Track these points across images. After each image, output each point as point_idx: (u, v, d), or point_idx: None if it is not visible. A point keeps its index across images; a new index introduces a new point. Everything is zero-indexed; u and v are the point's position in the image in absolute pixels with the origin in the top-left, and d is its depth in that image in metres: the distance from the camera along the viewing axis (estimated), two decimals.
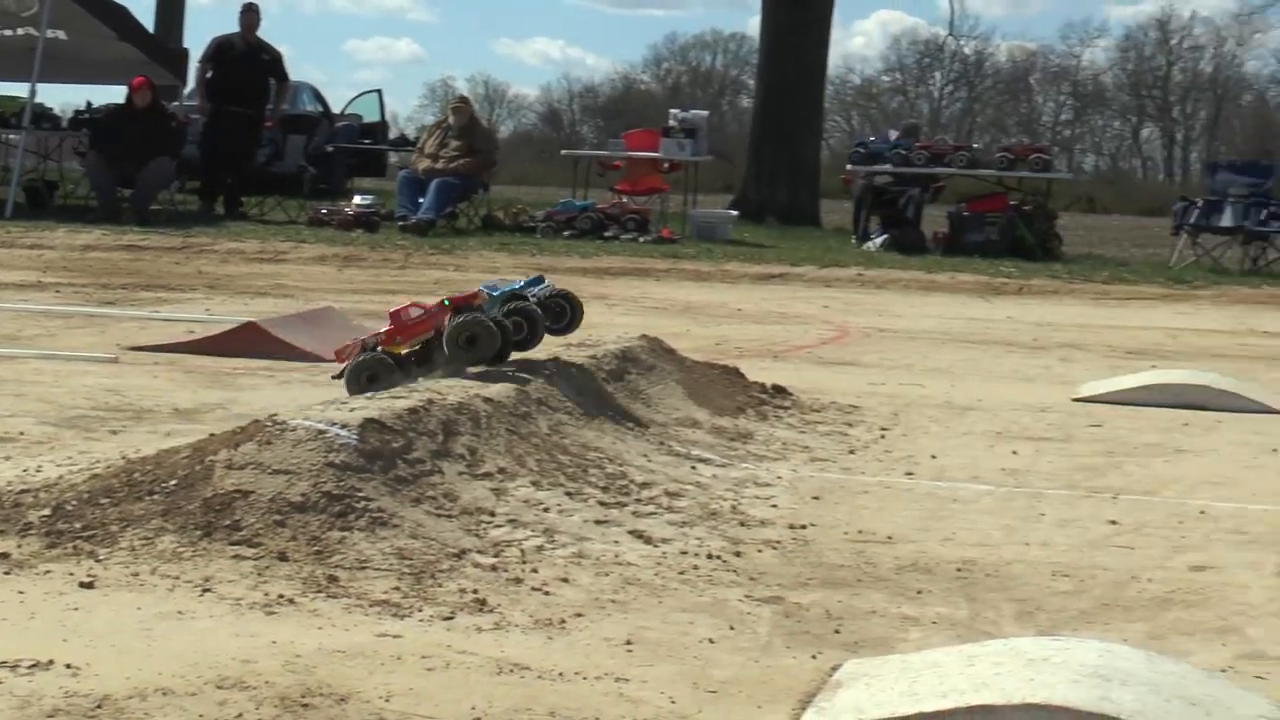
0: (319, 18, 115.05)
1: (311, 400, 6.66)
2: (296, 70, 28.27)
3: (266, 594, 4.65)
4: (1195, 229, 22.29)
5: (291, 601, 4.61)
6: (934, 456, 7.75)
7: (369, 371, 7.05)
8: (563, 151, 30.04)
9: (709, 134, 26.79)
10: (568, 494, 6.01)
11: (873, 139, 28.23)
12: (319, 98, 34.19)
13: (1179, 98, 79.51)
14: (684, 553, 5.54)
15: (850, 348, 12.20)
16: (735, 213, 26.13)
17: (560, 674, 4.14)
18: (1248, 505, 6.88)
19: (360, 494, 5.32)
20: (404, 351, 7.17)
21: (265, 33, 23.91)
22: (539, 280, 7.92)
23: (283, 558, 4.92)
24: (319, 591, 4.71)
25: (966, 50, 71.03)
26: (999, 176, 23.15)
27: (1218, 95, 78.19)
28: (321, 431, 5.53)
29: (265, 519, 5.12)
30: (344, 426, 5.60)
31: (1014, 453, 7.95)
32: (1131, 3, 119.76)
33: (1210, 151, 73.37)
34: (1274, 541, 6.21)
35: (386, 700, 3.84)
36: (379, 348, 7.15)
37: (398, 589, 4.78)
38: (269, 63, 23.63)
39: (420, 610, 4.62)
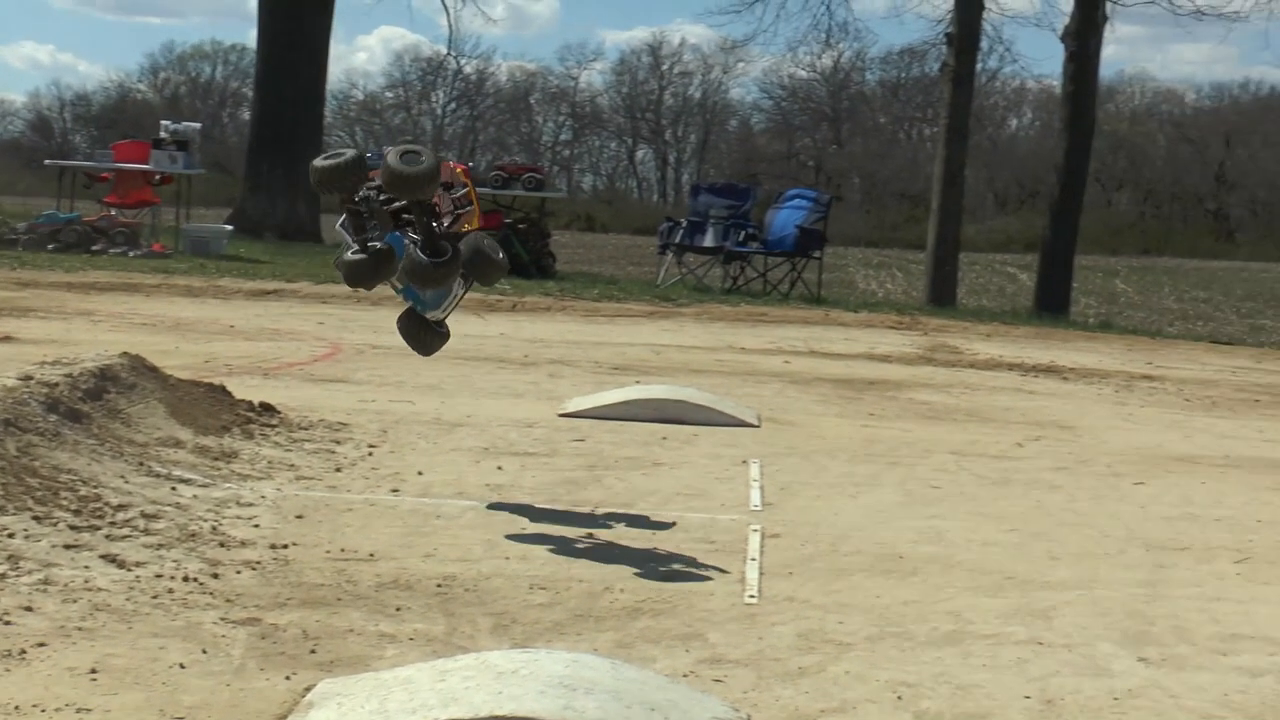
0: None
1: None
2: None
3: None
4: (680, 248, 23.20)
5: None
6: (420, 473, 7.81)
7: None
8: (46, 161, 28.69)
9: (207, 146, 26.18)
10: (35, 518, 5.77)
11: (370, 155, 28.13)
12: None
13: (671, 121, 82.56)
14: (159, 576, 5.41)
15: (342, 364, 12.15)
16: (230, 227, 25.61)
17: (16, 707, 3.97)
18: (717, 516, 7.20)
19: None
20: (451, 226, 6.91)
21: None
22: None
23: None
24: None
25: (468, 69, 71.77)
26: (494, 195, 23.48)
27: (706, 120, 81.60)
28: None
29: None
30: None
31: (499, 468, 8.09)
32: (625, 28, 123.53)
33: (700, 174, 76.50)
34: (739, 550, 6.53)
35: None
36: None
37: None
38: None
39: None
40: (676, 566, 6.22)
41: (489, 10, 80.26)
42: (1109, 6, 26.13)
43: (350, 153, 6.63)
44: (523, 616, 5.36)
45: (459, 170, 7.13)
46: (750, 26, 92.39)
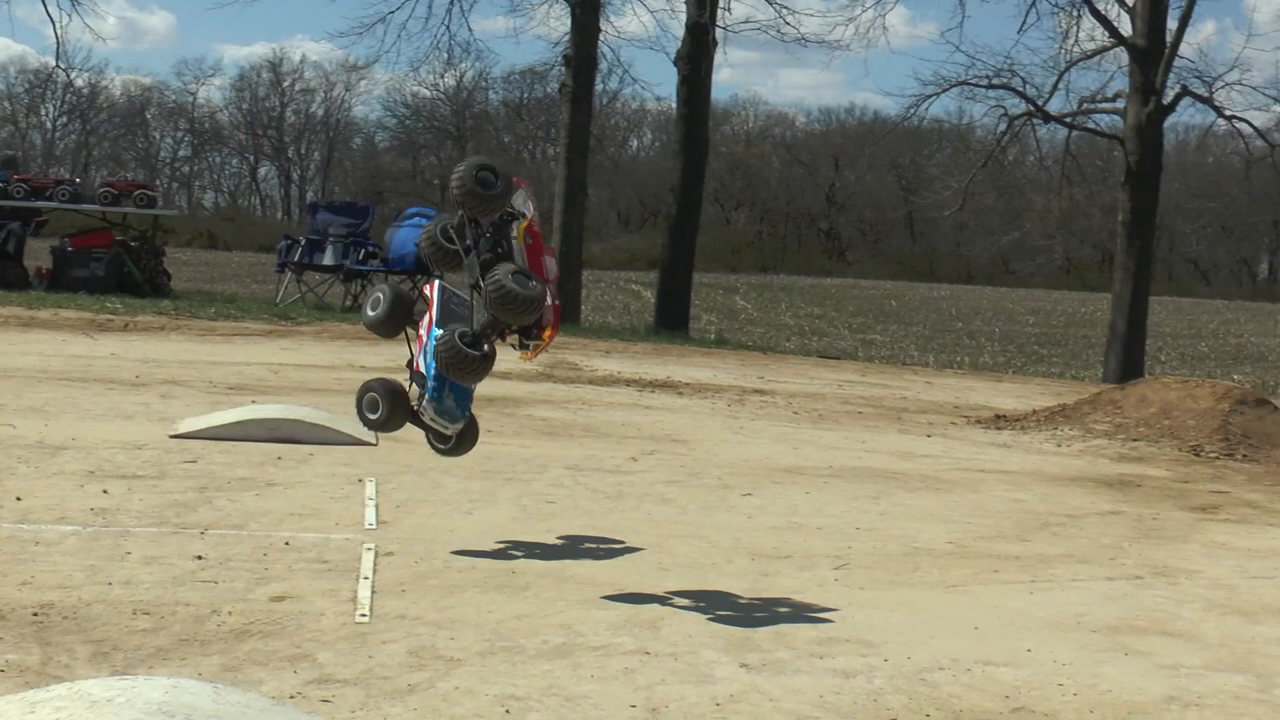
0: None
1: None
2: None
3: None
4: (299, 266, 22.89)
5: None
6: (19, 499, 7.50)
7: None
8: None
9: None
10: None
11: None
12: None
13: (294, 138, 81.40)
14: None
15: None
16: None
17: None
18: (330, 535, 7.14)
19: None
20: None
21: None
22: None
23: None
24: None
25: (79, 82, 69.24)
26: (103, 212, 22.72)
27: (330, 137, 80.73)
28: None
29: None
30: None
31: (105, 491, 7.83)
32: (245, 43, 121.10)
33: (326, 191, 75.65)
34: (351, 569, 6.48)
35: None
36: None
37: None
38: None
39: None
40: (287, 587, 6.13)
41: (99, 25, 77.15)
42: (719, 32, 26.86)
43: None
44: (124, 643, 5.20)
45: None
46: (372, 48, 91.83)
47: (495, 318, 6.45)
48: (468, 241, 6.59)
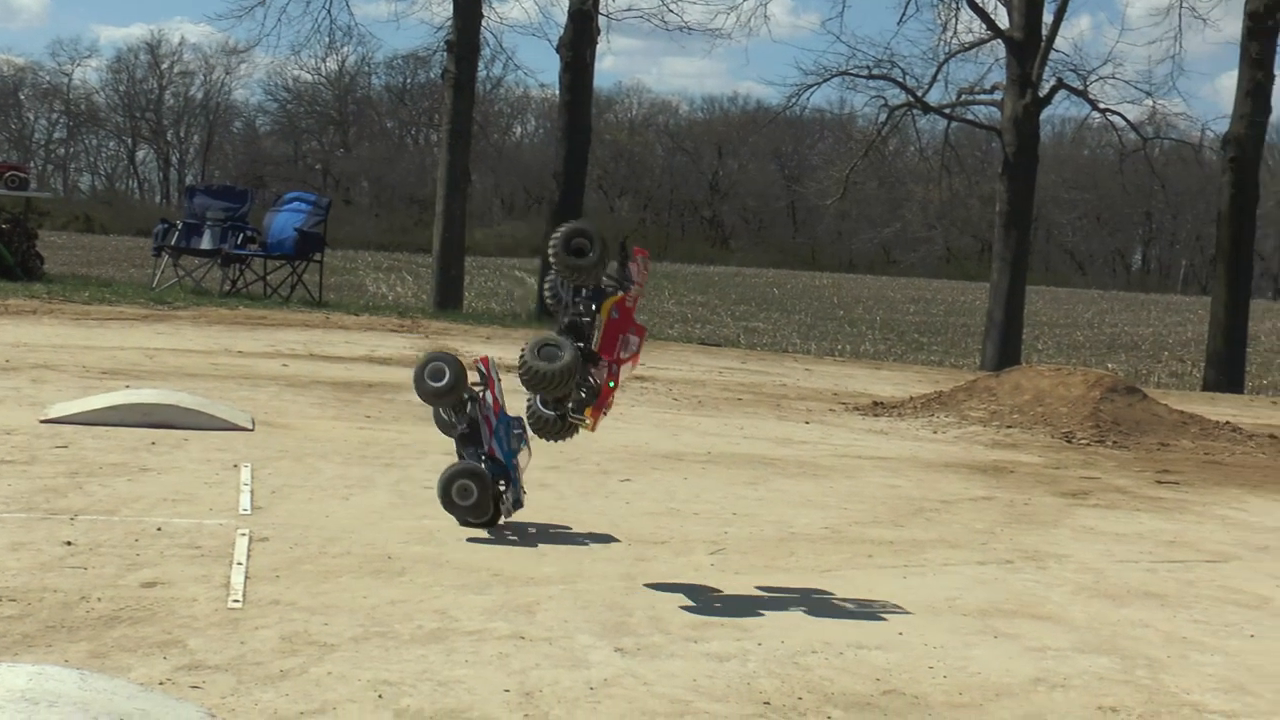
0: None
1: None
2: None
3: None
4: (176, 251, 22.60)
5: None
6: None
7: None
8: None
9: None
10: None
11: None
12: None
13: (173, 121, 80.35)
14: None
15: None
16: None
17: None
18: (204, 521, 7.06)
19: None
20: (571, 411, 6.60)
21: None
22: None
23: None
24: None
25: None
26: None
27: (210, 121, 79.78)
28: None
29: None
30: None
31: None
32: (122, 24, 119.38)
33: (206, 175, 74.81)
34: (225, 555, 6.42)
35: None
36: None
37: None
38: None
39: None
40: (159, 573, 6.06)
41: None
42: (602, 19, 26.88)
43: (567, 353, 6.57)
44: None
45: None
46: (253, 31, 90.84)
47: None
48: (564, 300, 6.65)
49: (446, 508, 7.15)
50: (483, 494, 7.07)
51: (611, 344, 6.61)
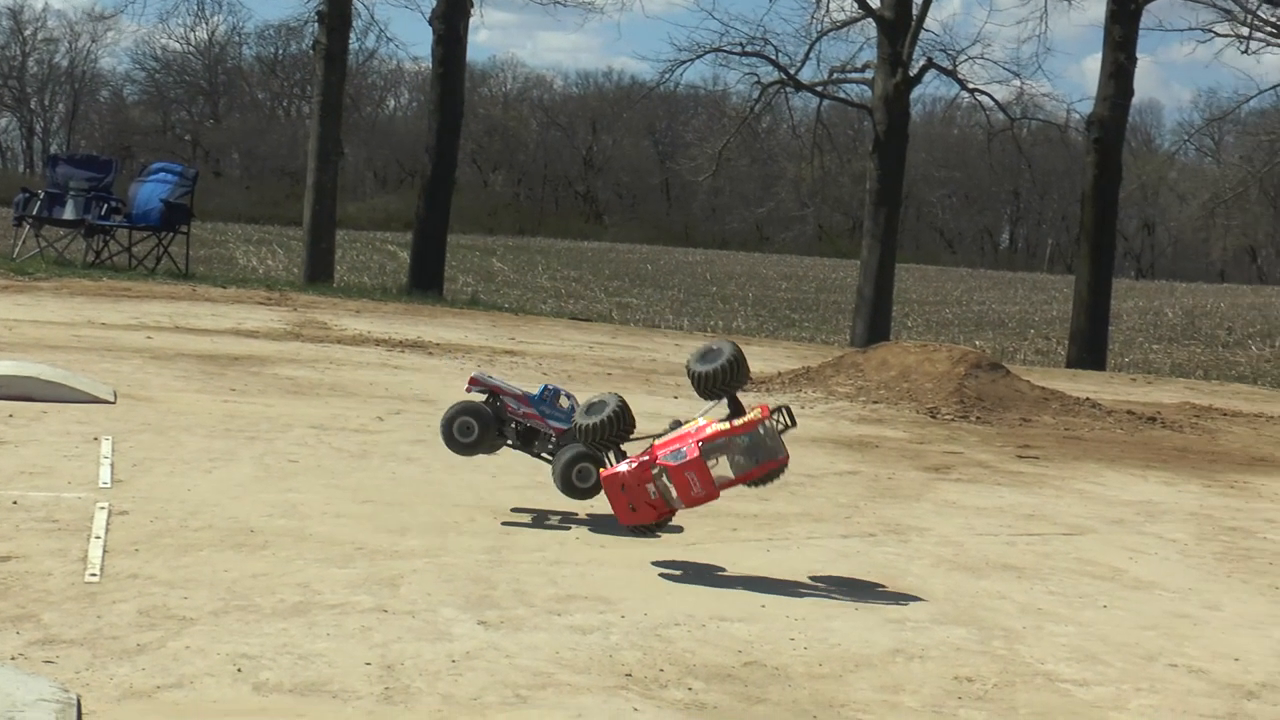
0: None
1: None
2: None
3: None
4: (39, 220, 22.17)
5: None
6: None
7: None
8: None
9: None
10: None
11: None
12: None
13: (36, 89, 78.77)
14: None
15: None
16: None
17: None
18: (62, 494, 6.95)
19: None
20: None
21: None
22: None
23: None
24: None
25: None
26: None
27: (75, 89, 78.32)
28: None
29: None
30: None
31: None
32: None
33: (72, 145, 73.40)
34: (83, 529, 6.33)
35: None
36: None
37: None
38: None
39: None
40: (13, 547, 5.96)
41: None
42: None
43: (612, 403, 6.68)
44: None
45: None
46: None
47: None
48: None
49: (446, 444, 7.36)
50: (484, 431, 7.27)
51: (645, 473, 6.42)
